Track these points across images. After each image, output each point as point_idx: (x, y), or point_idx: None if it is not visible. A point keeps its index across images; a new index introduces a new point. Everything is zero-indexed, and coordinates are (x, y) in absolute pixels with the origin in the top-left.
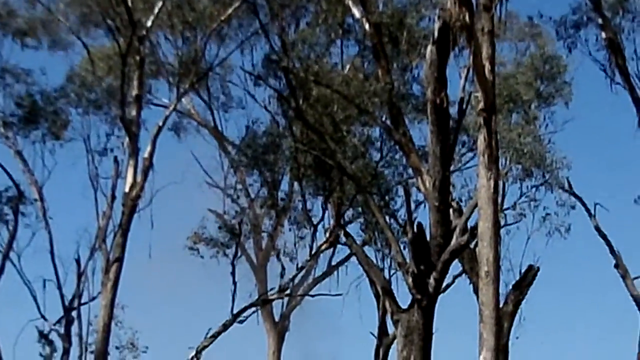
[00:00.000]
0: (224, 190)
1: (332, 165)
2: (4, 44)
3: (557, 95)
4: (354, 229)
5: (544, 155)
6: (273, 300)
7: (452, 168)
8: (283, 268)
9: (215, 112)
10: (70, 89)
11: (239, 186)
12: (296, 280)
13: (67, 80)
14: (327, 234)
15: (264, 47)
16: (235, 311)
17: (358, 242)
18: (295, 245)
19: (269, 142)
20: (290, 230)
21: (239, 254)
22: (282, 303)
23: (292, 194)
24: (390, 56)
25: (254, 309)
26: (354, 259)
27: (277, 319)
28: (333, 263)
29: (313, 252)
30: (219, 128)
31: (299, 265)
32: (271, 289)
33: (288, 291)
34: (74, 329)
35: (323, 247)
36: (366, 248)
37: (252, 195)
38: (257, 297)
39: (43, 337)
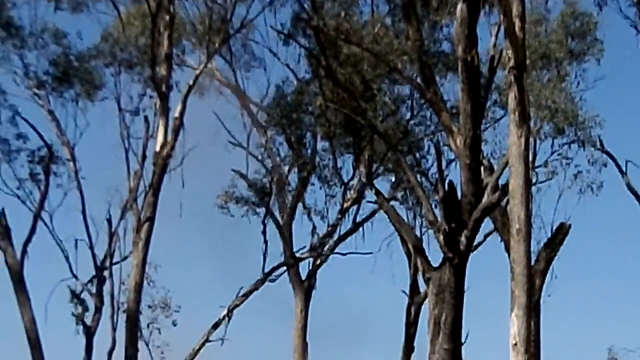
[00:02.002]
0: (247, 149)
1: (362, 123)
2: (40, 4)
3: (588, 53)
4: (384, 187)
5: (576, 113)
6: (304, 259)
7: (483, 126)
8: (314, 227)
9: (238, 72)
10: (103, 48)
11: (269, 145)
12: (324, 238)
13: (101, 40)
14: (353, 191)
15: (292, 5)
16: (266, 270)
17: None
18: (325, 203)
19: (298, 101)
20: (320, 188)
21: (269, 212)
22: (309, 262)
23: (315, 152)
24: (420, 14)
25: (284, 267)
26: (379, 216)
27: (303, 277)
28: (358, 220)
29: (343, 210)
30: (242, 88)
31: (330, 223)
32: (302, 248)
33: (319, 250)
34: (106, 288)
35: (348, 204)
36: (397, 206)
37: (282, 155)
38: (286, 256)
39: (75, 296)
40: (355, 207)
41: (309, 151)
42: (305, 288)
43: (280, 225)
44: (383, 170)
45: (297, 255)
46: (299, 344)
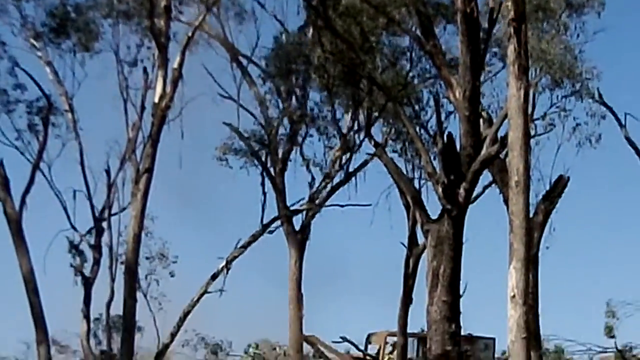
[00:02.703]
0: (238, 102)
1: (361, 75)
2: None
3: (588, 5)
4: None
5: (574, 65)
6: (302, 210)
7: (482, 78)
8: (313, 178)
9: (226, 25)
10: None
11: (262, 97)
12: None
13: None
14: (341, 140)
15: None
16: (265, 222)
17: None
18: (324, 155)
19: (296, 52)
20: (319, 140)
21: (268, 164)
22: (302, 214)
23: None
24: None
25: (282, 219)
26: (378, 168)
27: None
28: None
29: (340, 161)
30: (230, 40)
31: (328, 175)
32: (301, 199)
33: (317, 202)
34: (104, 239)
35: (339, 153)
36: (396, 158)
37: (280, 106)
38: (279, 208)
39: (73, 247)
40: (349, 158)
41: (307, 103)
42: (299, 240)
43: (273, 177)
44: (382, 124)
45: (296, 207)
46: (294, 295)
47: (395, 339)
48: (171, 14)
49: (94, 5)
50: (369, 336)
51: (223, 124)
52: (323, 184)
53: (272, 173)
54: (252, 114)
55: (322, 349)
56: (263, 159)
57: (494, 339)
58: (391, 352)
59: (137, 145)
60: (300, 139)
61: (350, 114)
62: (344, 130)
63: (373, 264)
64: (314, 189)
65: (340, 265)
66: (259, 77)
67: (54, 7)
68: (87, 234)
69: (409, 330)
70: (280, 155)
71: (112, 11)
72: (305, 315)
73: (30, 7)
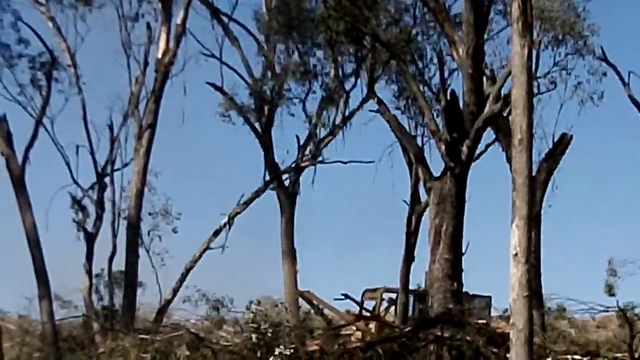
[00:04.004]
0: (221, 60)
1: (364, 32)
2: None
3: None
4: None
5: (577, 23)
6: (306, 166)
7: (485, 36)
8: (316, 135)
9: None
10: None
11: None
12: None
13: None
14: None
15: None
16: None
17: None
18: (327, 112)
19: (299, 8)
20: (322, 100)
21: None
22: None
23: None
24: None
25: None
26: (381, 125)
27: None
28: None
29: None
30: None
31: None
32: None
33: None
34: (107, 195)
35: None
36: (399, 116)
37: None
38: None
39: (76, 202)
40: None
41: (310, 59)
42: (289, 194)
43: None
44: (386, 81)
45: (299, 163)
46: (287, 250)
47: (391, 295)
48: None
49: None
50: (364, 292)
51: (206, 83)
52: (330, 139)
53: (259, 130)
54: (237, 72)
55: (317, 304)
56: (267, 114)
57: (490, 297)
58: (387, 309)
59: (140, 100)
60: (303, 95)
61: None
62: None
63: (375, 222)
64: (314, 145)
65: (341, 222)
66: (261, 34)
67: None
68: (90, 189)
69: None
70: (269, 112)
71: None
72: (301, 270)
73: None
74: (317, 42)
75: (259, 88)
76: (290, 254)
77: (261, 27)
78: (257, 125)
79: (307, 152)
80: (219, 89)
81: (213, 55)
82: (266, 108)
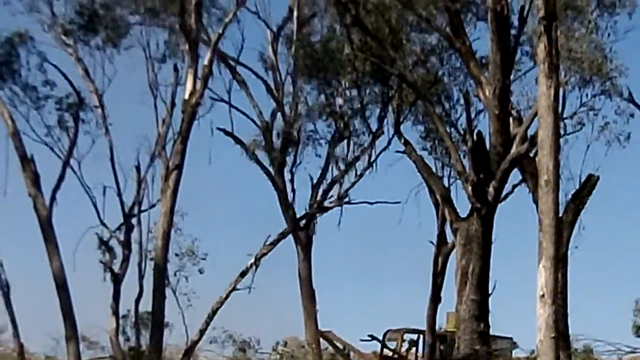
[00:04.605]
0: (230, 104)
1: (391, 72)
2: None
3: (620, 5)
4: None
5: (604, 63)
6: (331, 208)
7: (512, 77)
8: (342, 176)
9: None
10: None
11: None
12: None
13: None
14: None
15: None
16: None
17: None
18: (353, 152)
19: (325, 50)
20: (349, 139)
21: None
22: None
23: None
24: None
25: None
26: (408, 166)
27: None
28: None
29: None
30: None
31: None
32: (329, 197)
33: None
34: (134, 236)
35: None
36: (426, 156)
37: (310, 103)
38: (312, 205)
39: (103, 243)
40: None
41: (337, 100)
42: (305, 237)
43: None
44: (412, 122)
45: (325, 204)
46: (306, 291)
47: (412, 336)
48: (201, 11)
49: (122, 3)
50: (386, 333)
51: (217, 129)
52: (355, 181)
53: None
54: (248, 116)
55: (338, 344)
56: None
57: (511, 338)
58: (408, 350)
59: (166, 141)
60: (329, 137)
61: (379, 111)
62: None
63: (401, 262)
64: (342, 187)
65: (367, 262)
66: (288, 75)
67: (82, 4)
68: (117, 230)
69: (425, 328)
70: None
71: (140, 8)
72: (326, 310)
73: (60, 4)
74: (343, 83)
75: (269, 131)
76: (309, 294)
77: (269, 69)
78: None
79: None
80: (230, 134)
81: (222, 100)
82: (277, 151)
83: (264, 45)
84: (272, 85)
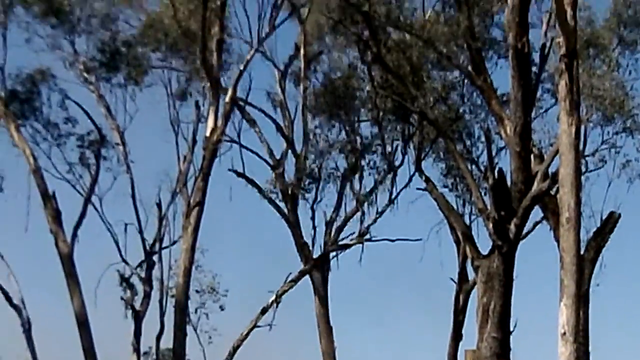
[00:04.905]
0: (241, 145)
1: (412, 109)
2: None
3: None
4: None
5: (625, 101)
6: (352, 245)
7: (533, 114)
8: (362, 213)
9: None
10: (149, 34)
11: (317, 131)
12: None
13: (147, 25)
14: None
15: None
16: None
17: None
18: (375, 189)
19: (345, 88)
20: (369, 174)
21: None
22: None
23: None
24: (471, 1)
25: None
26: (428, 203)
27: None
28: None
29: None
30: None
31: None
32: (351, 234)
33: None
34: (155, 272)
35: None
36: (446, 193)
37: (331, 141)
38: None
39: (124, 280)
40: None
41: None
42: (320, 275)
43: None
44: (434, 159)
45: (346, 241)
46: (323, 329)
47: None
48: (223, 48)
49: (143, 41)
50: None
51: (228, 170)
52: (376, 218)
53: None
54: (258, 154)
55: None
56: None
57: None
58: None
59: (188, 178)
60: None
61: (400, 148)
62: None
63: (423, 300)
64: (364, 224)
65: (387, 299)
66: (310, 112)
67: (104, 42)
68: (138, 267)
69: None
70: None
71: (161, 44)
72: (345, 347)
73: (82, 41)
74: (363, 120)
75: (281, 170)
76: (327, 332)
77: (278, 107)
78: (308, 202)
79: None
80: (242, 175)
81: (233, 140)
82: (290, 189)
83: (271, 84)
84: (283, 124)
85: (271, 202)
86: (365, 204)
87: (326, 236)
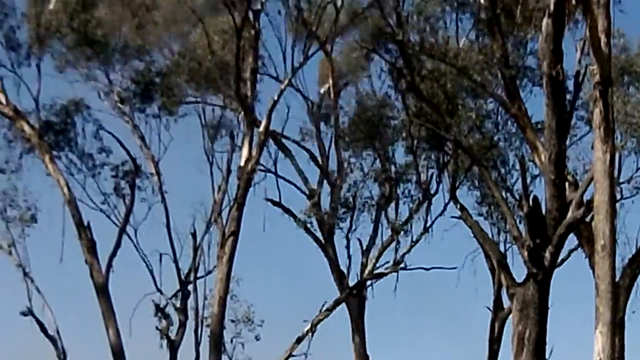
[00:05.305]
0: (277, 174)
1: (446, 138)
2: (123, 22)
3: None
4: (467, 201)
5: None
6: (387, 274)
7: (567, 142)
8: (398, 242)
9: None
10: (183, 64)
11: (352, 160)
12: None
13: (181, 55)
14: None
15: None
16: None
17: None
18: (410, 218)
19: (380, 116)
20: (404, 203)
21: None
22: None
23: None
24: (505, 29)
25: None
26: (464, 231)
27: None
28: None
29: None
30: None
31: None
32: (386, 262)
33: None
34: (190, 302)
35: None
36: (481, 221)
37: (366, 169)
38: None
39: (159, 310)
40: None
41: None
42: (357, 303)
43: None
44: (468, 187)
45: (381, 270)
46: (360, 358)
47: None
48: (257, 77)
49: (177, 71)
50: None
51: (265, 199)
52: (411, 246)
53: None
54: (293, 184)
55: None
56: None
57: None
58: None
59: (222, 207)
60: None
61: (435, 176)
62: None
63: (458, 328)
64: (399, 252)
65: (425, 328)
66: (344, 141)
67: (138, 73)
68: (173, 297)
69: None
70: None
71: (195, 75)
72: None
73: (116, 72)
74: (397, 149)
75: (317, 199)
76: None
77: (310, 137)
78: (343, 231)
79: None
80: (278, 204)
81: (269, 170)
82: (326, 217)
83: (302, 115)
84: (317, 153)
85: (307, 230)
86: (394, 232)
87: (362, 265)
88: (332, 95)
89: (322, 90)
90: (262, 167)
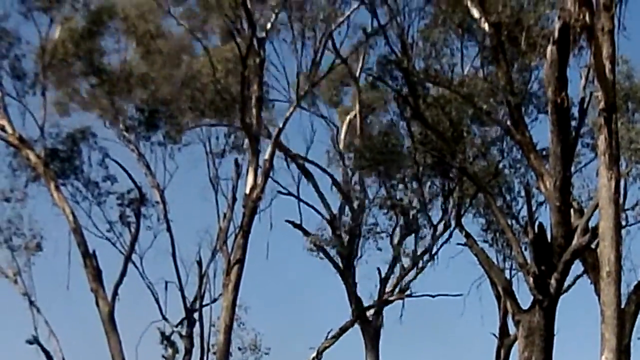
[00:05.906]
0: (299, 198)
1: (451, 165)
2: (128, 50)
3: None
4: (473, 228)
5: None
6: (393, 301)
7: (572, 168)
8: (404, 269)
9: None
10: (187, 92)
11: (357, 187)
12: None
13: (185, 84)
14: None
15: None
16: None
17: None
18: (416, 245)
19: (385, 144)
20: (410, 231)
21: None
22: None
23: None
24: (510, 56)
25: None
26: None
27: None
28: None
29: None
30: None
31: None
32: (391, 289)
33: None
34: (196, 330)
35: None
36: (487, 248)
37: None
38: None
39: (165, 338)
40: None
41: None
42: (372, 330)
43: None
44: (474, 214)
45: (387, 297)
46: None
47: None
48: (262, 106)
49: (181, 99)
50: None
51: (285, 221)
52: (417, 273)
53: (341, 266)
54: (316, 209)
55: None
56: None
57: None
58: None
59: (228, 235)
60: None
61: (440, 203)
62: (434, 220)
63: (464, 355)
64: (401, 278)
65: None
66: (348, 169)
67: (143, 101)
68: (179, 324)
69: None
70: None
71: (199, 104)
72: None
73: (121, 100)
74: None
75: (338, 223)
76: None
77: (333, 163)
78: (338, 260)
79: (389, 284)
80: (298, 227)
81: (290, 193)
82: (346, 242)
83: (326, 140)
84: (340, 178)
85: (326, 255)
86: (407, 259)
87: (380, 292)
88: (358, 122)
89: (348, 119)
90: (283, 190)
